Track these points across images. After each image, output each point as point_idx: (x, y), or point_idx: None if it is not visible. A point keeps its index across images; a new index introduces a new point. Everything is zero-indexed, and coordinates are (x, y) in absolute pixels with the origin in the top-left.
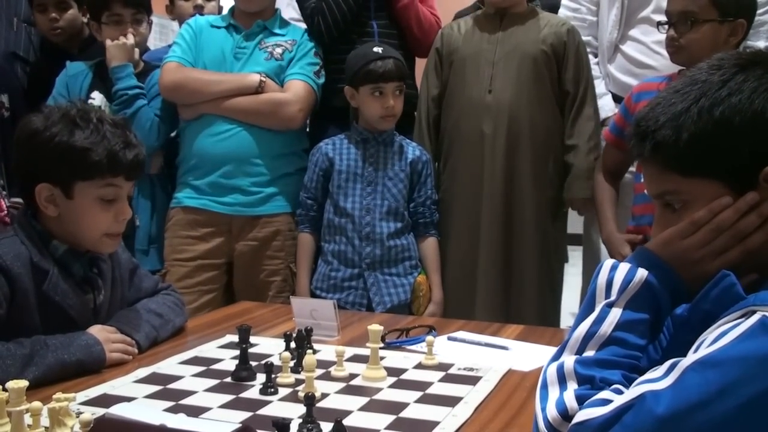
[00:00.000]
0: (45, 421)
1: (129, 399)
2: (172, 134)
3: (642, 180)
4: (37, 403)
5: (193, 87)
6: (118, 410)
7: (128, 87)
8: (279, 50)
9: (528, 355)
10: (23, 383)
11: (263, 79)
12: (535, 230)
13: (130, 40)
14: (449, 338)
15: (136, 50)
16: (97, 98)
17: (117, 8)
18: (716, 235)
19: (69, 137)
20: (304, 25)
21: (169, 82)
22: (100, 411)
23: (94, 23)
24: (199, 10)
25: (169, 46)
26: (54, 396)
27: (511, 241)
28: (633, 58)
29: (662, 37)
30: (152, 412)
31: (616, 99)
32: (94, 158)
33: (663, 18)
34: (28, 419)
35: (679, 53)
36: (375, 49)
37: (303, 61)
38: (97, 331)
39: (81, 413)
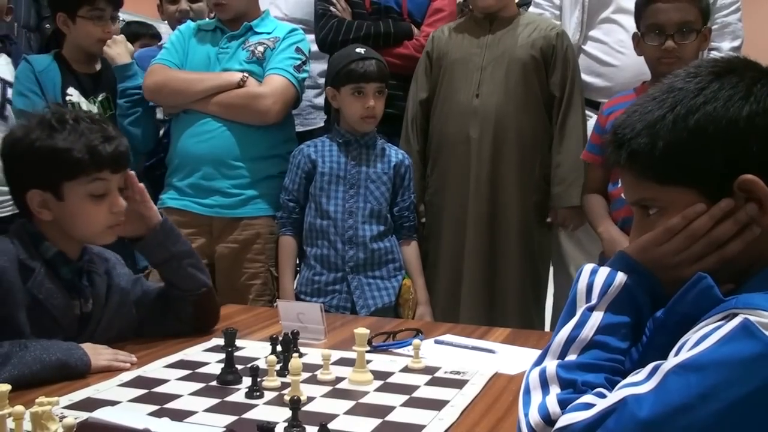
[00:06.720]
0: (28, 425)
1: (113, 403)
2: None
3: (617, 186)
4: (19, 407)
5: (174, 87)
6: (101, 414)
7: (139, 86)
8: (261, 48)
9: (514, 358)
10: (5, 387)
11: (245, 77)
12: (520, 234)
13: (122, 38)
14: (436, 341)
15: (130, 46)
16: (74, 94)
17: (101, 4)
18: (691, 242)
19: (49, 140)
20: (290, 25)
21: (152, 83)
22: (83, 415)
23: (62, 15)
24: (184, 14)
25: (159, 47)
26: (37, 400)
27: (496, 245)
28: (596, 57)
29: (623, 36)
30: (136, 416)
31: None
32: (76, 156)
33: (623, 18)
34: (10, 423)
35: (677, 64)
36: (358, 50)
37: (282, 55)
38: (86, 346)
39: (64, 417)
